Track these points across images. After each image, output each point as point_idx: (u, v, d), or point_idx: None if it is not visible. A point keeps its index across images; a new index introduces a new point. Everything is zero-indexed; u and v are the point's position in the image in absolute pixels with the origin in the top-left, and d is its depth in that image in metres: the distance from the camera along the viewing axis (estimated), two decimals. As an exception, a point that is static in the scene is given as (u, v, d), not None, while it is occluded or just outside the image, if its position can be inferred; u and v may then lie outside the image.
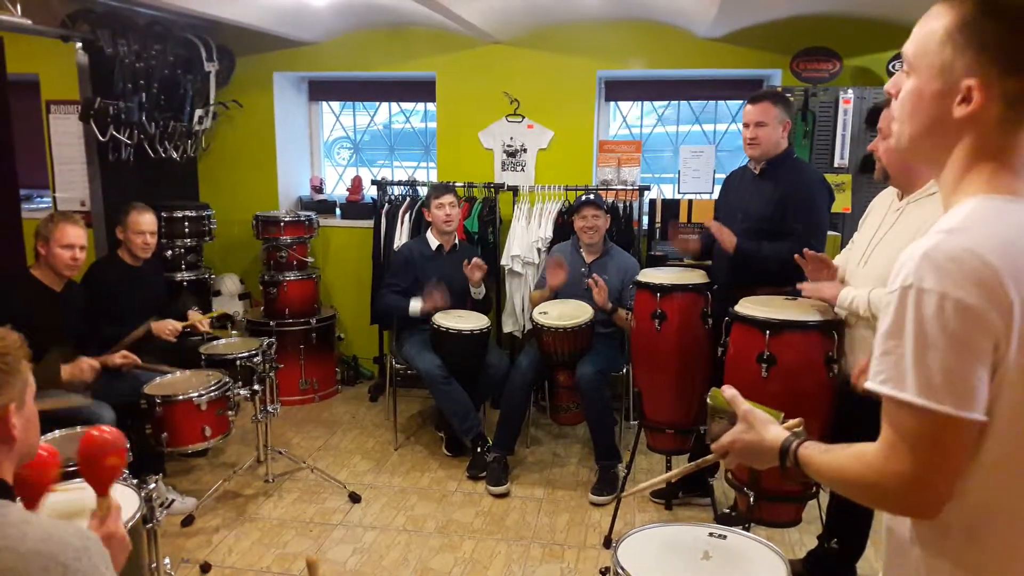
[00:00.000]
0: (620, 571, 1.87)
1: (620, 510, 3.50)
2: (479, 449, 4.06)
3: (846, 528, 2.92)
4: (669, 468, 3.73)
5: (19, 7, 3.48)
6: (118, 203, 3.97)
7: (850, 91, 4.39)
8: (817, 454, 1.21)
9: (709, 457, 1.53)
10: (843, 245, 4.10)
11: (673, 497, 3.72)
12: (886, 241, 2.50)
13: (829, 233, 3.68)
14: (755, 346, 2.69)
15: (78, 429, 2.92)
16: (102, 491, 1.68)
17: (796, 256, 2.72)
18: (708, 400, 1.50)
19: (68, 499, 1.98)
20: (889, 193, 2.65)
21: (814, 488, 2.81)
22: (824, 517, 3.02)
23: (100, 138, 4.40)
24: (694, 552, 1.95)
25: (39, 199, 5.86)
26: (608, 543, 3.38)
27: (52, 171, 5.31)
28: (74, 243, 3.42)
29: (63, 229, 3.39)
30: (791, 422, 1.41)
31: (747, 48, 4.77)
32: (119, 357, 3.49)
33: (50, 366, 3.05)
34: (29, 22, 3.58)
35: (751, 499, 2.73)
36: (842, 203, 4.32)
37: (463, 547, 3.40)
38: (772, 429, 1.34)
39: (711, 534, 2.03)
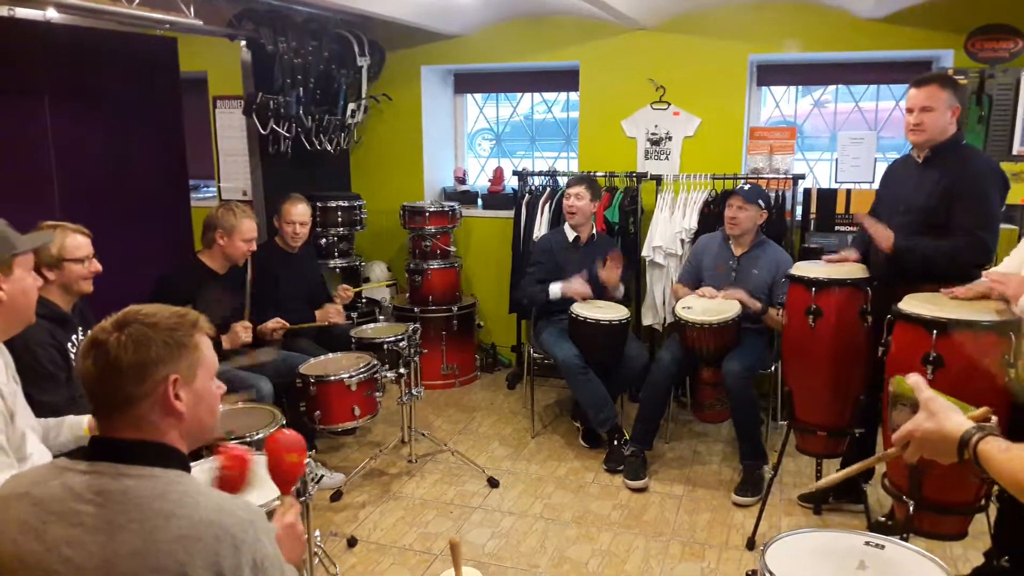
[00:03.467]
0: (768, 575, 1.79)
1: (764, 512, 3.38)
2: (615, 442, 4.02)
3: (1019, 545, 2.67)
4: (819, 472, 3.56)
5: (192, 9, 3.73)
6: (277, 193, 4.19)
7: (1034, 71, 4.00)
8: (997, 451, 1.14)
9: (890, 451, 1.44)
10: (1020, 239, 3.76)
11: (823, 501, 3.54)
12: None
13: (1003, 226, 3.37)
14: (920, 346, 2.51)
15: (239, 405, 3.13)
16: (285, 489, 1.75)
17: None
18: (890, 388, 1.42)
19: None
20: None
21: (983, 500, 2.60)
22: (993, 531, 2.78)
23: (261, 131, 4.66)
24: (848, 561, 1.84)
25: (205, 189, 6.29)
26: (751, 545, 3.27)
27: (217, 162, 5.69)
28: (254, 237, 3.68)
29: (246, 224, 3.64)
30: (978, 412, 1.31)
31: (913, 28, 4.44)
32: (272, 322, 3.69)
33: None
34: (200, 23, 3.84)
35: (910, 508, 2.56)
36: (1019, 193, 3.96)
37: (600, 539, 3.38)
38: (954, 418, 1.26)
39: (867, 543, 1.91)
